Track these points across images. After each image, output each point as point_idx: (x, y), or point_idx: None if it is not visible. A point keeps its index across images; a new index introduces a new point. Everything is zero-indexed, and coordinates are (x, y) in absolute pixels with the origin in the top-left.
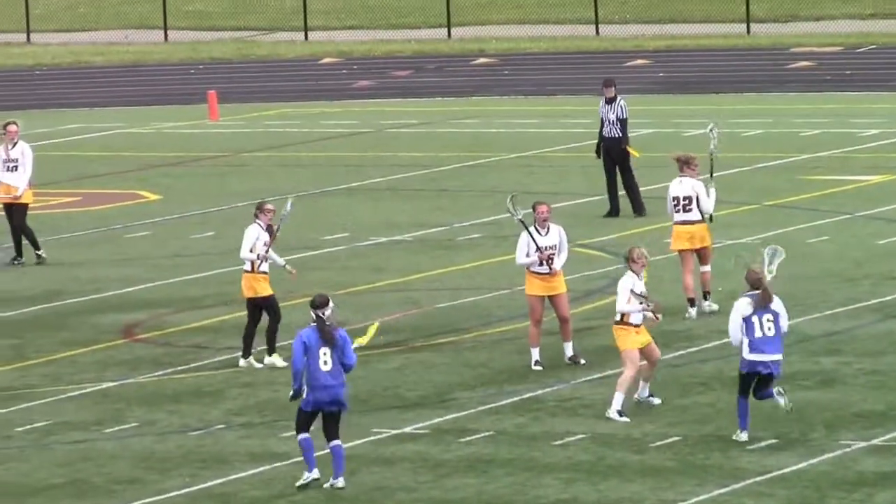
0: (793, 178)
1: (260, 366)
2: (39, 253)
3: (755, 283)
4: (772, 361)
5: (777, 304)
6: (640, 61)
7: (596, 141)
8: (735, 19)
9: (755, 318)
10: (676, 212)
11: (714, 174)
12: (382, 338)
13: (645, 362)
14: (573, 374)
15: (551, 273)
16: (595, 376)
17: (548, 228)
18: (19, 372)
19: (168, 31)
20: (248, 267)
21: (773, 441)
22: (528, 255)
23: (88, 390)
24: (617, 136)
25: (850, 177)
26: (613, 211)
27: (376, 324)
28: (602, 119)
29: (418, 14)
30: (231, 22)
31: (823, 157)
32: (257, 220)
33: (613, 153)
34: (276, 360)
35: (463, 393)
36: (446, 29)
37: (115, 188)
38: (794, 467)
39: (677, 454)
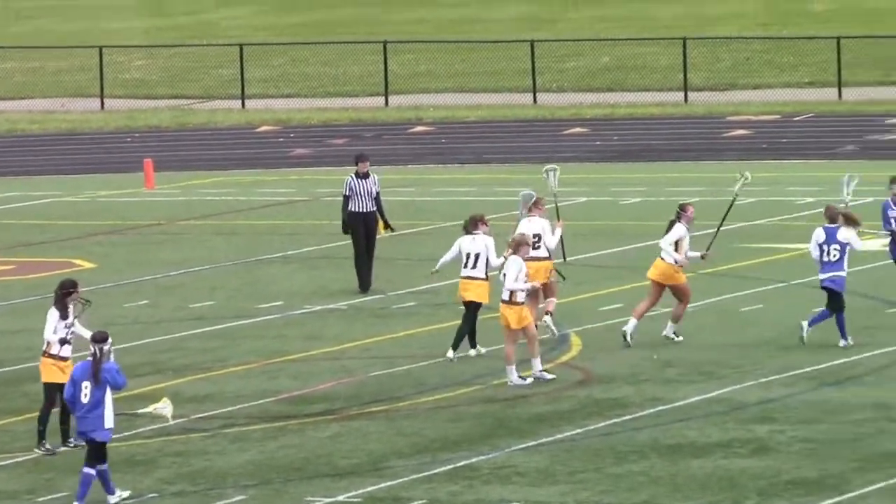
0: (729, 245)
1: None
2: None
3: (833, 217)
4: (830, 277)
5: (844, 234)
6: (577, 129)
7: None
8: (672, 88)
9: (825, 247)
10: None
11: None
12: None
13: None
14: (507, 443)
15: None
16: (530, 444)
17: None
18: None
19: (104, 100)
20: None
21: None
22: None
23: (21, 459)
24: (370, 209)
25: (786, 245)
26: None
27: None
28: (349, 195)
29: (356, 82)
30: (168, 90)
31: (760, 225)
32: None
33: (367, 227)
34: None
35: (397, 461)
36: (384, 97)
37: (51, 257)
38: None
39: None
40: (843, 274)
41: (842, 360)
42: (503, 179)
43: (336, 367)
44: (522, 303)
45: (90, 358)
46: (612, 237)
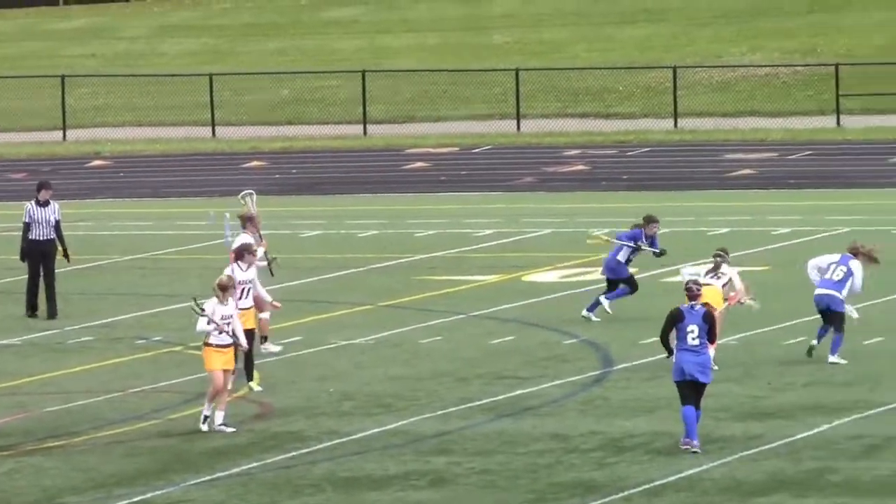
0: (407, 278)
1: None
2: None
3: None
4: None
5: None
6: (256, 163)
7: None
8: (352, 120)
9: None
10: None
11: None
12: None
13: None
14: (183, 477)
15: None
16: (206, 478)
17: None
18: None
19: None
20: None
21: None
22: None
23: None
24: (50, 237)
25: (464, 277)
26: (31, 309)
27: None
28: (30, 223)
29: (32, 116)
30: None
31: (438, 257)
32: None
33: (46, 255)
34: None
35: (72, 497)
36: (62, 131)
37: None
38: None
39: None
40: None
41: (519, 392)
42: (181, 213)
43: (11, 403)
44: (217, 345)
45: None
46: (292, 271)
